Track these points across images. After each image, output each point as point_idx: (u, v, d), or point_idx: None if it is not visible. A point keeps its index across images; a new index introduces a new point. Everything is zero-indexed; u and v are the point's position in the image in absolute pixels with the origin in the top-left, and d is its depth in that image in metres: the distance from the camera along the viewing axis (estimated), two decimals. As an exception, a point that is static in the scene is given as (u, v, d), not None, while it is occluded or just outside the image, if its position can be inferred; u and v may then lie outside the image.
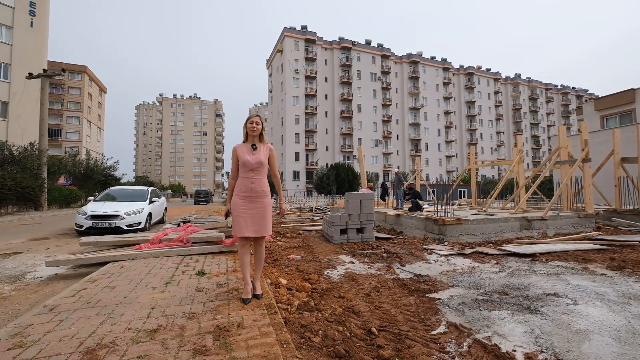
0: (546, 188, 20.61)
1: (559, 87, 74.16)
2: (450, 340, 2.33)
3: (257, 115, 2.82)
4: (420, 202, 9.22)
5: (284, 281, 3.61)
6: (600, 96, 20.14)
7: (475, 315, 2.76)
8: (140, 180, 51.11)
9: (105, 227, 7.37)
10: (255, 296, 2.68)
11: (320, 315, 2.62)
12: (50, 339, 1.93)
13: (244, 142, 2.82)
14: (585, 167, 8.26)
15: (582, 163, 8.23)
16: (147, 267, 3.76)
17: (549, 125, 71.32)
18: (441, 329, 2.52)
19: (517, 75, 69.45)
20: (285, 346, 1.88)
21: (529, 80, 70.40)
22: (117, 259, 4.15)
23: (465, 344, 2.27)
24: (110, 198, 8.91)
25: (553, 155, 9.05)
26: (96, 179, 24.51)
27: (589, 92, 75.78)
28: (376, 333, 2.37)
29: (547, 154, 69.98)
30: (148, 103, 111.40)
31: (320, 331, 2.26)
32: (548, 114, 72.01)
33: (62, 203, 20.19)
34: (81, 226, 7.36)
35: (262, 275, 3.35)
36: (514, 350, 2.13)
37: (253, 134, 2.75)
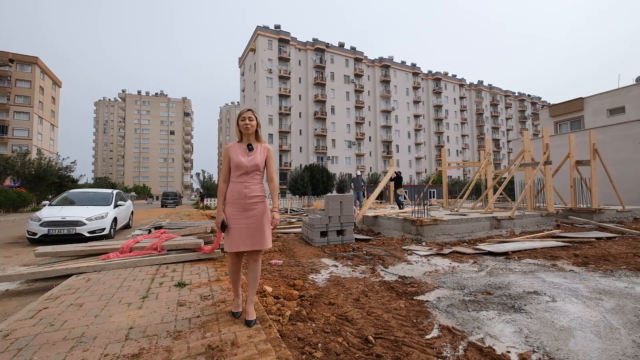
0: (507, 189, 22.00)
1: (517, 94, 79.91)
2: (445, 344, 2.33)
3: (250, 110, 2.47)
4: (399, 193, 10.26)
5: (269, 289, 3.46)
6: (552, 103, 21.96)
7: (465, 316, 2.80)
8: (101, 182, 47.39)
9: (63, 234, 6.70)
10: (246, 323, 2.29)
11: (314, 325, 2.51)
12: (8, 373, 1.65)
13: (238, 141, 2.51)
14: (546, 169, 8.88)
15: (543, 165, 8.84)
16: (119, 280, 3.41)
17: (507, 130, 76.52)
18: (435, 332, 2.52)
19: (480, 82, 73.85)
20: (287, 365, 1.75)
21: (490, 87, 75.13)
22: (81, 270, 3.74)
23: (460, 347, 2.28)
24: (69, 202, 8.13)
25: (518, 158, 9.64)
26: (50, 181, 22.38)
27: (542, 100, 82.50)
28: (373, 341, 2.32)
29: (506, 156, 74.42)
30: (109, 99, 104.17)
31: (320, 344, 2.16)
32: (507, 119, 77.27)
33: (8, 207, 18.23)
34: (34, 234, 6.63)
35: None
36: (508, 352, 2.17)
37: (248, 132, 2.43)
